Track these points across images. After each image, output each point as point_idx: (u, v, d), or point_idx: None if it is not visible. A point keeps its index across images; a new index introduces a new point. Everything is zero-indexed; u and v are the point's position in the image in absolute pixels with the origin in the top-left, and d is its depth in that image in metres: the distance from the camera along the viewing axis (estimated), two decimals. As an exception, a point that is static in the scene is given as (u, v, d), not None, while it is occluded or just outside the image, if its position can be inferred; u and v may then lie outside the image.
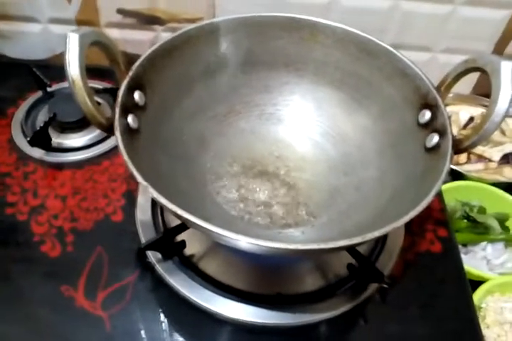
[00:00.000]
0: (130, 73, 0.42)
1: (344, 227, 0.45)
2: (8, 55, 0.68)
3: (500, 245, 0.60)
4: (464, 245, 0.60)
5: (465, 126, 0.69)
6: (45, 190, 0.53)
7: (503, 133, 0.69)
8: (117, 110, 0.40)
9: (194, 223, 0.34)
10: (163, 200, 0.35)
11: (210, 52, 0.49)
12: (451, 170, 0.63)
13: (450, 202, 0.62)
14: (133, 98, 0.42)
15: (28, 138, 0.53)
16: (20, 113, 0.59)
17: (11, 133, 0.57)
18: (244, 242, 0.33)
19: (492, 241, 0.60)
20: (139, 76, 0.43)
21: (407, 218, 0.35)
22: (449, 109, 0.70)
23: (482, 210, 0.62)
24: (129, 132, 0.40)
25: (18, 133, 0.57)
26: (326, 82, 0.51)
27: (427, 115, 0.44)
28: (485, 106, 0.71)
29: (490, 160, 0.65)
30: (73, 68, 0.36)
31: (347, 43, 0.49)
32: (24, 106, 0.59)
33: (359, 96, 0.50)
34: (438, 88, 0.44)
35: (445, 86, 0.44)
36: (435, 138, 0.42)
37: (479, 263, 0.59)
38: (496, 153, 0.65)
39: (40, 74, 0.59)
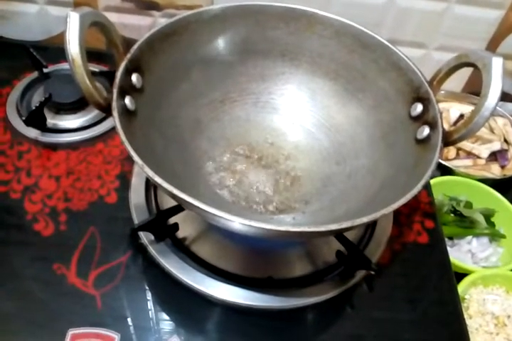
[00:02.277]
0: (128, 55, 0.43)
1: (335, 214, 0.46)
2: (5, 36, 0.68)
3: (485, 239, 0.61)
4: (450, 238, 0.62)
5: (455, 123, 0.70)
6: (39, 169, 0.53)
7: (492, 131, 0.70)
8: (115, 91, 0.40)
9: (189, 203, 0.34)
10: (158, 180, 0.35)
11: (207, 38, 0.49)
12: (441, 165, 0.64)
13: (438, 196, 0.63)
14: (130, 80, 0.43)
15: (23, 118, 0.53)
16: (15, 93, 0.59)
17: (5, 113, 0.57)
18: (237, 223, 0.34)
19: (477, 235, 0.61)
20: (137, 58, 0.43)
21: (395, 206, 0.36)
22: (440, 105, 0.71)
23: (469, 205, 0.63)
24: (126, 113, 0.41)
25: (12, 113, 0.57)
26: (321, 73, 0.52)
27: (418, 108, 0.45)
28: (475, 104, 0.72)
29: (478, 157, 0.67)
30: (73, 47, 0.37)
31: (343, 35, 0.50)
32: (20, 86, 0.59)
33: (353, 88, 0.51)
34: (430, 82, 0.45)
35: (437, 80, 0.45)
36: (426, 131, 0.44)
37: (464, 256, 0.60)
38: (484, 150, 0.66)
39: (36, 54, 0.59)
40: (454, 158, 0.67)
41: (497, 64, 0.39)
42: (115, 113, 0.39)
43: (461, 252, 0.60)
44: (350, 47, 0.50)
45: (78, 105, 0.57)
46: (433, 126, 0.43)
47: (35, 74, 0.61)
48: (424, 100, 0.45)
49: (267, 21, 0.50)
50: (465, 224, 0.61)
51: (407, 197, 0.37)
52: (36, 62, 0.59)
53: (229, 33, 0.50)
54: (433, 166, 0.40)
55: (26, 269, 0.46)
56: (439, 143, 0.41)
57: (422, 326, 0.47)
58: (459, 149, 0.67)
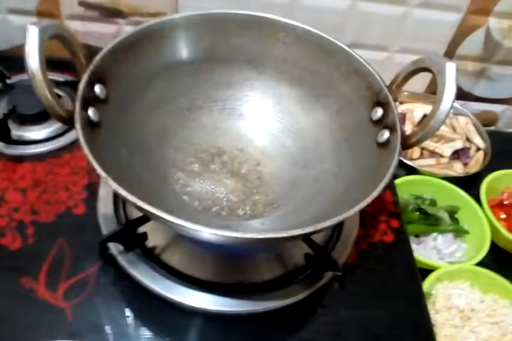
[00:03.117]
0: (90, 66, 0.43)
1: (302, 218, 0.47)
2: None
3: (449, 236, 0.63)
4: (416, 236, 0.64)
5: (419, 123, 0.72)
6: (5, 182, 0.52)
7: (454, 130, 0.72)
8: (77, 103, 0.40)
9: (153, 214, 0.35)
10: (122, 192, 0.36)
11: (171, 47, 0.50)
12: (405, 164, 0.66)
13: (404, 195, 0.65)
14: (93, 91, 0.43)
15: (-13, 131, 0.53)
16: (-21, 105, 0.58)
17: (-31, 125, 0.56)
18: (205, 233, 0.34)
19: (442, 232, 0.63)
20: (100, 69, 0.43)
21: (356, 209, 0.37)
22: (404, 106, 0.73)
23: (433, 203, 0.65)
24: (89, 125, 0.41)
25: (-24, 126, 0.56)
26: (285, 79, 0.53)
27: (379, 112, 0.47)
28: (438, 104, 0.74)
29: (441, 156, 0.69)
30: (33, 61, 0.37)
31: (306, 42, 0.50)
32: (-16, 98, 0.58)
33: (317, 93, 0.52)
34: (389, 87, 0.47)
35: (396, 85, 0.46)
36: (386, 134, 0.45)
37: (430, 252, 0.62)
38: (447, 149, 0.68)
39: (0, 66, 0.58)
40: (418, 158, 0.69)
41: (450, 69, 0.41)
42: (78, 126, 0.39)
43: (427, 249, 0.62)
44: (314, 53, 0.51)
45: (43, 116, 0.56)
46: (392, 129, 0.44)
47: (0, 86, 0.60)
48: (384, 104, 0.46)
49: (231, 29, 0.51)
50: (430, 222, 0.63)
51: (367, 200, 0.38)
52: (0, 74, 0.58)
53: (193, 41, 0.51)
54: (392, 169, 0.41)
55: (-6, 284, 0.46)
56: (398, 146, 0.43)
57: (390, 321, 0.48)
58: (422, 149, 0.69)
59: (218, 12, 0.50)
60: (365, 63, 0.48)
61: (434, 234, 0.63)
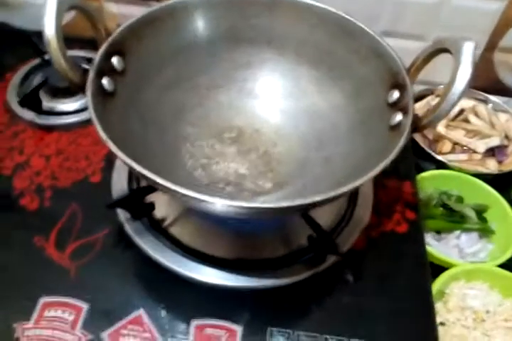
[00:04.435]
0: (109, 39, 0.44)
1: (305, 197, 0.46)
2: (12, 24, 0.71)
3: (474, 235, 0.60)
4: (438, 232, 0.61)
5: (454, 118, 0.69)
6: (32, 148, 0.56)
7: (492, 126, 0.68)
8: (92, 71, 0.42)
9: (154, 181, 0.35)
10: (121, 155, 0.37)
11: (192, 25, 0.50)
12: (434, 159, 0.63)
13: (428, 188, 0.62)
14: (111, 62, 0.44)
15: (21, 101, 0.56)
16: (16, 77, 0.62)
17: (6, 96, 0.60)
18: (208, 202, 0.35)
19: (467, 230, 0.60)
20: (119, 42, 0.45)
21: (349, 187, 0.37)
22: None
23: (460, 200, 0.62)
24: (103, 94, 0.42)
25: (12, 96, 0.60)
26: (305, 61, 0.52)
27: (395, 95, 0.45)
28: (478, 99, 0.71)
29: (474, 152, 0.65)
30: (49, 29, 0.39)
31: (327, 23, 0.50)
32: (21, 71, 0.63)
33: (336, 75, 0.51)
34: (408, 69, 0.45)
35: (415, 67, 0.45)
36: (399, 117, 0.43)
37: (451, 250, 0.59)
38: (481, 145, 0.64)
39: (38, 42, 0.62)
40: (449, 152, 0.65)
41: (468, 48, 0.39)
42: (89, 92, 0.41)
43: (448, 246, 0.59)
44: (335, 34, 0.50)
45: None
46: (406, 112, 0.43)
47: (37, 61, 0.64)
48: (401, 87, 0.44)
49: (252, 9, 0.51)
50: (454, 219, 0.60)
51: (364, 178, 0.37)
52: (37, 50, 0.62)
53: (214, 20, 0.51)
54: (398, 148, 0.39)
55: (8, 239, 0.49)
56: (407, 129, 0.41)
57: (392, 313, 0.47)
58: (455, 143, 0.66)
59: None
60: (385, 44, 0.46)
61: (458, 232, 0.60)
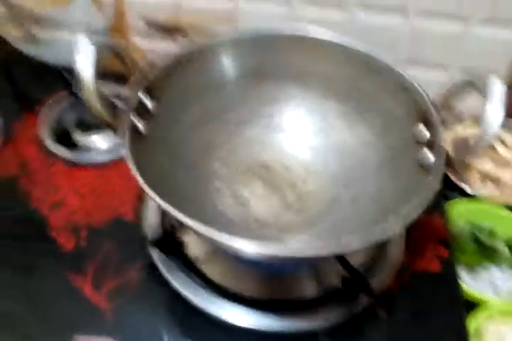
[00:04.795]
0: (144, 82, 0.46)
1: (336, 237, 0.46)
2: (42, 60, 0.74)
3: (509, 271, 0.58)
4: (471, 267, 0.59)
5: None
6: (66, 187, 0.57)
7: (521, 155, 0.67)
8: (127, 114, 0.43)
9: (188, 224, 0.36)
10: (163, 203, 0.37)
11: (220, 64, 0.51)
12: (463, 190, 0.62)
13: (459, 222, 0.61)
14: (144, 104, 0.45)
15: (55, 138, 0.58)
16: (48, 111, 0.63)
17: (38, 131, 0.62)
18: (236, 246, 0.36)
19: (500, 265, 0.58)
20: (151, 83, 0.46)
21: (388, 233, 0.36)
22: (468, 131, 0.69)
23: (492, 233, 0.61)
24: (137, 136, 0.43)
25: (44, 131, 0.61)
26: (332, 96, 0.53)
27: (425, 132, 0.45)
28: (503, 126, 0.70)
29: (504, 183, 0.64)
30: (85, 73, 0.40)
31: (354, 59, 0.50)
32: (53, 105, 0.64)
33: (363, 110, 0.51)
34: (436, 106, 0.45)
35: (444, 104, 0.45)
36: (429, 156, 0.43)
37: (485, 287, 0.57)
38: (511, 176, 0.64)
39: (68, 77, 0.64)
40: (479, 184, 0.64)
41: (496, 87, 0.38)
42: (125, 137, 0.42)
43: (482, 283, 0.57)
44: (361, 70, 0.50)
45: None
46: (437, 151, 0.42)
47: (68, 94, 0.65)
48: (430, 124, 0.44)
49: (279, 46, 0.52)
50: (487, 253, 0.59)
51: (400, 224, 0.37)
52: (68, 84, 0.64)
53: (241, 58, 0.52)
54: (433, 193, 0.39)
55: (46, 280, 0.49)
56: (441, 170, 0.41)
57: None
58: (484, 175, 0.65)
59: (267, 29, 0.51)
60: (411, 80, 0.46)
61: (491, 268, 0.58)
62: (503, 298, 0.56)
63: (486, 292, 0.56)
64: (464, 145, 0.40)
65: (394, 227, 0.37)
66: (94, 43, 0.39)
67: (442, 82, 0.67)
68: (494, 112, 0.37)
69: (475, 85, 0.40)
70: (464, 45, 0.63)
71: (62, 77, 0.64)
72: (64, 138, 0.58)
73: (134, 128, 0.43)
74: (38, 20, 0.67)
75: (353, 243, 0.36)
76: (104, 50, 0.41)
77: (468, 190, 0.62)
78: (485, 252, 0.59)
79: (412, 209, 0.38)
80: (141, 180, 0.39)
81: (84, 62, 0.39)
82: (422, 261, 0.52)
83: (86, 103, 0.40)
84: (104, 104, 0.41)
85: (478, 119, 0.68)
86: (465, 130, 0.68)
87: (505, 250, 0.59)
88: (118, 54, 0.44)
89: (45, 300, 0.48)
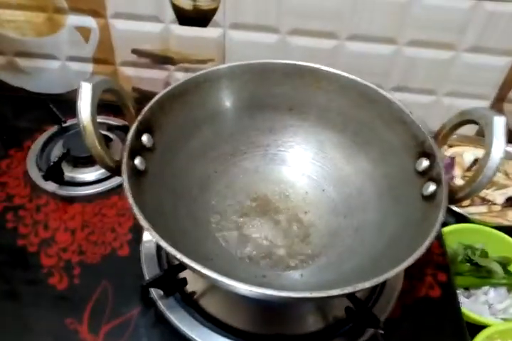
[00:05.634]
0: (139, 117, 0.44)
1: (342, 270, 0.45)
2: (28, 89, 0.72)
3: (502, 290, 0.60)
4: (466, 289, 0.60)
5: (469, 168, 0.70)
6: (56, 222, 0.55)
7: (507, 175, 0.69)
8: (125, 154, 0.42)
9: (192, 267, 0.35)
10: (164, 244, 0.36)
11: (216, 96, 0.51)
12: (455, 212, 0.63)
13: (453, 244, 0.62)
14: (141, 141, 0.44)
15: (43, 173, 0.56)
16: (36, 146, 0.62)
17: (26, 166, 0.60)
18: (239, 288, 0.34)
19: (495, 285, 0.60)
20: (148, 119, 0.45)
21: (397, 270, 0.36)
22: (453, 150, 0.71)
23: (484, 254, 0.62)
24: (136, 174, 0.42)
25: (33, 167, 0.59)
26: (328, 126, 0.53)
27: (424, 163, 0.45)
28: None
29: (493, 203, 0.65)
30: (85, 115, 0.39)
31: (348, 90, 0.51)
32: (40, 140, 0.63)
33: (360, 141, 0.52)
34: (435, 137, 0.45)
35: (442, 136, 0.45)
36: (431, 187, 0.43)
37: (481, 307, 0.58)
38: (499, 196, 0.65)
39: (56, 109, 0.62)
40: (469, 205, 0.66)
41: (499, 123, 0.39)
42: (125, 176, 0.40)
43: (478, 303, 0.58)
44: (356, 101, 0.51)
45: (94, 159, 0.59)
46: (438, 182, 0.43)
47: (55, 128, 0.64)
48: (429, 155, 0.45)
49: (274, 78, 0.52)
50: (481, 274, 0.60)
51: (410, 260, 0.37)
52: (55, 117, 0.62)
53: (237, 90, 0.52)
54: (438, 226, 0.39)
55: (40, 323, 0.47)
56: (444, 202, 0.41)
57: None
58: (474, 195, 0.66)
59: (261, 62, 0.51)
60: (408, 112, 0.47)
61: (486, 288, 0.59)
62: (499, 319, 0.57)
63: (482, 313, 0.57)
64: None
65: (406, 262, 0.37)
66: (93, 85, 0.38)
67: (428, 104, 0.69)
68: (498, 148, 0.38)
69: (474, 121, 0.41)
70: (453, 71, 0.65)
71: (50, 110, 0.62)
72: (52, 172, 0.56)
73: (134, 168, 0.42)
74: (22, 50, 0.65)
75: (364, 284, 0.35)
76: (101, 91, 0.40)
77: (460, 211, 0.63)
78: (479, 272, 0.60)
79: (419, 240, 0.38)
80: (144, 222, 0.38)
81: (85, 108, 0.38)
82: (423, 286, 0.52)
83: (86, 146, 0.39)
84: (105, 148, 0.40)
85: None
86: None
87: (499, 269, 0.60)
88: (121, 97, 0.44)
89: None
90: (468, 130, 0.73)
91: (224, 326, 0.47)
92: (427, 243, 0.38)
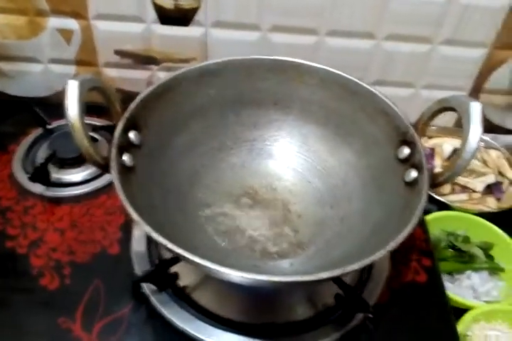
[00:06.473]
0: (125, 114, 0.45)
1: (330, 258, 0.47)
2: (10, 93, 0.71)
3: (485, 273, 0.61)
4: (450, 274, 0.62)
5: (449, 158, 0.72)
6: (44, 223, 0.55)
7: (485, 164, 0.71)
8: (113, 150, 0.42)
9: (182, 255, 0.36)
10: (155, 235, 0.37)
11: (201, 92, 0.52)
12: (437, 200, 0.65)
13: (435, 231, 0.64)
14: (128, 138, 0.45)
15: (29, 175, 0.56)
16: (21, 149, 0.62)
17: (12, 169, 0.60)
18: (233, 275, 0.35)
19: (477, 269, 0.61)
20: (134, 117, 0.46)
21: (383, 252, 0.37)
22: (432, 141, 0.73)
23: (466, 239, 0.64)
24: (124, 170, 0.43)
25: (18, 169, 0.59)
26: (311, 120, 0.54)
27: (405, 151, 0.47)
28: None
29: (473, 191, 0.68)
30: (72, 113, 0.39)
31: (330, 83, 0.52)
32: (25, 142, 0.62)
33: (343, 133, 0.53)
34: (415, 126, 0.47)
35: (421, 124, 0.47)
36: (413, 174, 0.45)
37: (465, 291, 0.60)
38: (478, 184, 0.67)
39: (40, 111, 0.62)
40: (450, 193, 0.68)
41: (475, 109, 0.41)
42: (113, 172, 0.41)
43: (462, 287, 0.60)
44: (338, 94, 0.52)
45: (80, 160, 0.59)
46: (419, 169, 0.45)
47: (39, 130, 0.64)
48: (410, 144, 0.47)
49: (257, 73, 0.53)
50: (464, 259, 0.62)
51: (394, 243, 0.38)
52: (39, 120, 0.62)
53: (221, 86, 0.53)
54: (420, 211, 0.41)
55: (32, 324, 0.47)
56: (425, 187, 0.43)
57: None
58: (454, 184, 0.68)
59: (245, 58, 0.52)
60: (390, 103, 0.49)
61: (469, 272, 0.61)
62: (482, 301, 0.59)
63: (466, 296, 0.59)
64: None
65: (391, 245, 0.38)
66: (79, 83, 0.39)
67: (406, 97, 0.71)
68: (475, 133, 0.40)
69: (452, 108, 0.43)
70: (430, 64, 0.67)
71: (35, 113, 0.62)
72: (38, 174, 0.56)
73: (122, 165, 0.43)
74: (4, 53, 0.65)
75: (352, 266, 0.37)
76: (88, 89, 0.40)
77: (442, 200, 0.65)
78: (462, 258, 0.62)
79: (404, 225, 0.40)
80: (136, 216, 0.38)
81: (73, 106, 0.39)
82: (409, 271, 0.54)
83: (75, 143, 0.40)
84: (94, 145, 0.41)
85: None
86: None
87: (481, 253, 0.62)
88: (107, 95, 0.44)
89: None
90: (448, 122, 0.76)
91: (217, 318, 0.48)
92: (412, 223, 0.39)
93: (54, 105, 0.67)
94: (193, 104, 0.52)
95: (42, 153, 0.61)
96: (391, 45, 0.65)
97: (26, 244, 0.53)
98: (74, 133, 0.40)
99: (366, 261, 0.37)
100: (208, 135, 0.54)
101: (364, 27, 0.63)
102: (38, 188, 0.57)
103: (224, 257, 0.48)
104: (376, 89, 0.50)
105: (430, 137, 0.74)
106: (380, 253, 0.37)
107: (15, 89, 0.71)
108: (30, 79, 0.69)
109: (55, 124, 0.64)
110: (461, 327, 0.53)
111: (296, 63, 0.53)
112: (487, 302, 0.59)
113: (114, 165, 0.41)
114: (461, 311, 0.56)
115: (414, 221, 0.40)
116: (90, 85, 0.41)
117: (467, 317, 0.54)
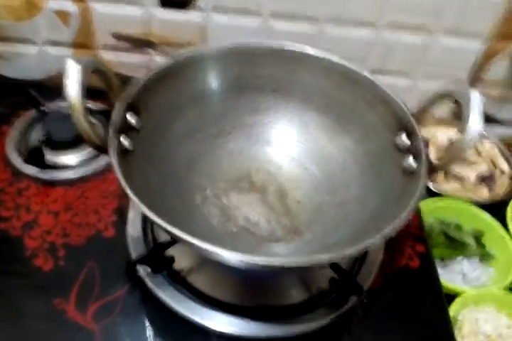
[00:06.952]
0: (124, 97, 0.45)
1: (327, 244, 0.47)
2: (5, 75, 0.70)
3: (475, 260, 0.63)
4: (442, 260, 0.63)
5: (443, 147, 0.72)
6: (38, 205, 0.54)
7: (479, 154, 0.72)
8: (111, 131, 0.42)
9: (181, 238, 0.36)
10: (152, 216, 0.37)
11: (201, 77, 0.51)
12: (429, 188, 0.66)
13: (428, 219, 0.65)
14: (126, 120, 0.45)
15: (23, 156, 0.55)
16: (14, 130, 0.61)
17: (5, 150, 0.59)
18: (230, 257, 0.36)
19: (468, 256, 0.63)
20: (133, 100, 0.45)
21: (380, 237, 0.38)
22: (428, 131, 0.74)
23: (458, 227, 0.65)
24: (122, 152, 0.43)
25: (12, 151, 0.59)
26: (311, 107, 0.54)
27: (404, 139, 0.47)
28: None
29: (466, 180, 0.68)
30: (73, 93, 0.38)
31: (331, 72, 0.51)
32: (19, 124, 0.62)
33: (343, 121, 0.53)
34: (415, 115, 0.47)
35: (421, 113, 0.47)
36: (411, 161, 0.45)
37: (455, 277, 0.62)
38: (471, 173, 0.68)
39: (35, 93, 0.61)
40: (443, 182, 0.69)
41: (475, 99, 0.41)
42: (111, 152, 0.41)
43: (453, 273, 0.62)
44: (339, 82, 0.52)
45: (75, 142, 0.59)
46: (418, 157, 0.45)
47: (34, 112, 0.63)
48: (409, 132, 0.47)
49: (257, 59, 0.52)
50: (455, 246, 0.63)
51: (392, 228, 0.38)
52: (34, 101, 0.61)
53: (222, 72, 0.52)
54: (417, 198, 0.41)
55: (27, 305, 0.47)
56: (423, 175, 0.43)
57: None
58: (447, 172, 0.69)
59: (246, 44, 0.52)
60: (390, 92, 0.48)
61: (460, 259, 0.63)
62: (472, 287, 0.61)
63: (456, 281, 0.60)
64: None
65: (387, 231, 0.38)
66: (82, 65, 0.38)
67: (404, 87, 0.71)
68: (475, 122, 0.40)
69: (453, 97, 0.43)
70: (428, 55, 0.67)
71: (29, 95, 0.61)
72: (32, 156, 0.55)
73: (120, 147, 0.42)
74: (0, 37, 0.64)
75: (350, 250, 0.37)
76: (90, 71, 0.40)
77: (435, 188, 0.66)
78: (454, 245, 0.63)
79: (401, 212, 0.40)
80: (133, 197, 0.38)
81: (73, 86, 0.38)
82: (403, 257, 0.54)
83: (75, 125, 0.39)
84: (93, 127, 0.40)
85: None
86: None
87: (472, 241, 0.63)
88: (106, 77, 0.43)
89: (29, 326, 0.46)
90: (443, 112, 0.76)
91: (212, 300, 0.48)
92: (409, 209, 0.40)
93: (49, 87, 0.66)
94: (193, 89, 0.51)
95: (36, 135, 0.60)
96: (390, 35, 0.65)
97: (20, 225, 0.52)
98: (73, 114, 0.39)
99: (364, 245, 0.37)
100: (206, 120, 0.53)
101: (365, 16, 0.63)
102: (32, 170, 0.57)
103: (221, 242, 0.48)
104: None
105: (425, 127, 0.75)
106: (378, 238, 0.37)
107: (10, 71, 0.70)
108: (25, 61, 0.68)
109: (49, 106, 0.63)
110: (451, 311, 0.55)
111: (299, 50, 0.52)
112: (476, 287, 0.61)
113: (112, 146, 0.41)
114: (451, 296, 0.57)
115: (411, 207, 0.40)
116: (92, 67, 0.41)
117: (457, 301, 0.56)
